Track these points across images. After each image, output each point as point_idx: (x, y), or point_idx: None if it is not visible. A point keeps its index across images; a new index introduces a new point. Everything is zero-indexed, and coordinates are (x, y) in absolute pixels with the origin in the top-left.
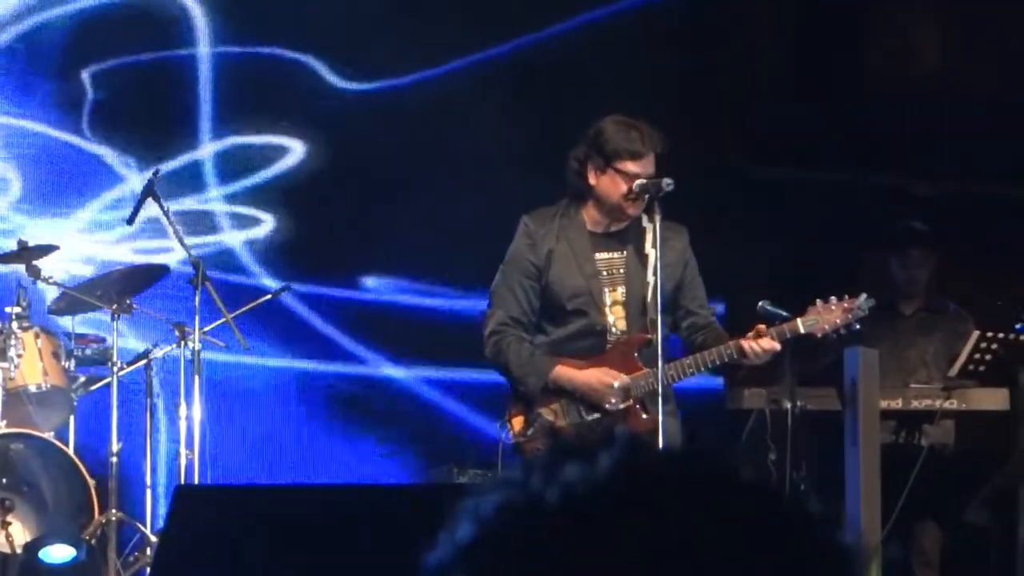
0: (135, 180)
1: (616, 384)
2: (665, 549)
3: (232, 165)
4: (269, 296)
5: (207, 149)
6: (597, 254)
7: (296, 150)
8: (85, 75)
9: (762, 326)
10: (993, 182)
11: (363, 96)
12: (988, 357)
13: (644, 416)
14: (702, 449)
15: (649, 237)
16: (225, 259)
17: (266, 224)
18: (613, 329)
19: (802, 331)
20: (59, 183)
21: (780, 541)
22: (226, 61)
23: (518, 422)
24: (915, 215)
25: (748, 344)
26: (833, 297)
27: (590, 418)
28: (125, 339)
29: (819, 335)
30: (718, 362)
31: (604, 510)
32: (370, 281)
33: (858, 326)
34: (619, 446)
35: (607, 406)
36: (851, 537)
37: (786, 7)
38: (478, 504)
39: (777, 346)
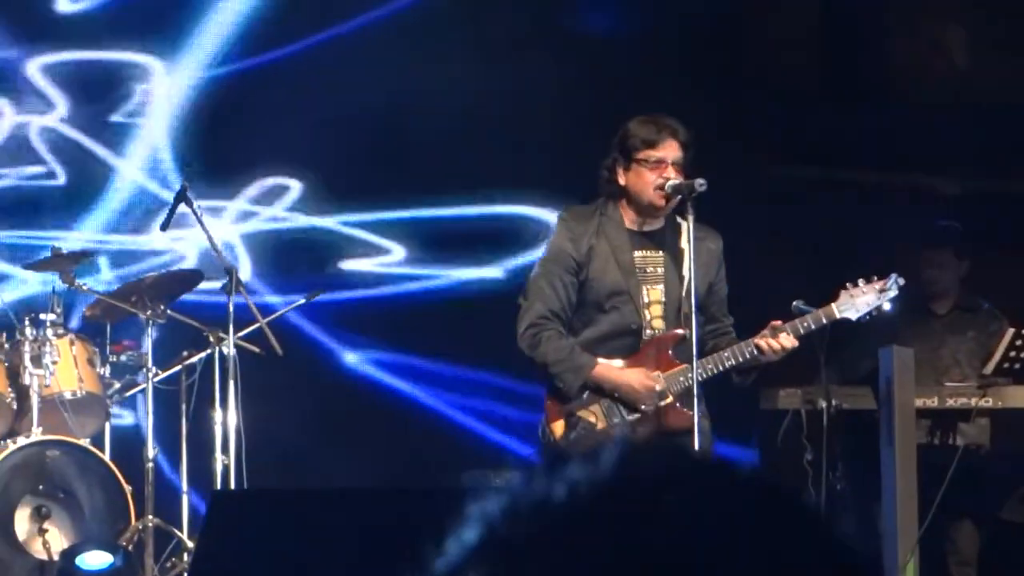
0: None
1: (657, 388)
2: (664, 554)
3: None
4: (303, 300)
5: None
6: (636, 252)
7: None
8: None
9: (777, 322)
10: (1022, 180)
11: None
12: (1023, 355)
13: (687, 413)
14: (704, 453)
15: (684, 235)
16: None
17: None
18: (649, 327)
19: (838, 316)
20: None
21: (789, 550)
22: None
23: (558, 427)
24: (943, 214)
25: (766, 341)
26: (862, 279)
27: (631, 418)
28: (160, 345)
29: (855, 318)
30: (740, 360)
31: (606, 511)
32: None
33: (888, 307)
34: (620, 448)
35: (644, 407)
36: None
37: (812, 8)
38: (485, 507)
39: (795, 342)
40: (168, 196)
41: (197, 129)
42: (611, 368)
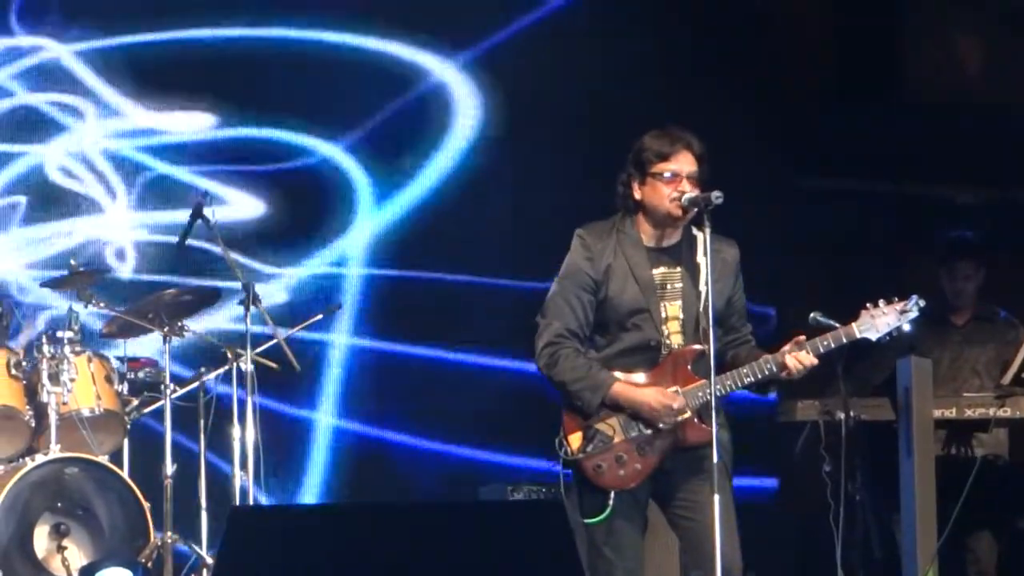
0: None
1: (675, 406)
2: None
3: None
4: (320, 316)
5: None
6: (654, 269)
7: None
8: None
9: (801, 338)
10: None
11: None
12: None
13: (705, 428)
14: None
15: (700, 247)
16: None
17: None
18: (668, 343)
19: (858, 336)
20: None
21: None
22: None
23: (575, 439)
24: (961, 224)
25: (788, 358)
26: (882, 300)
27: (648, 432)
28: (177, 362)
29: (874, 339)
30: (759, 376)
31: None
32: None
33: (907, 327)
34: None
35: (661, 425)
36: None
37: (828, 19)
38: None
39: (815, 361)
40: None
41: None
42: (630, 387)
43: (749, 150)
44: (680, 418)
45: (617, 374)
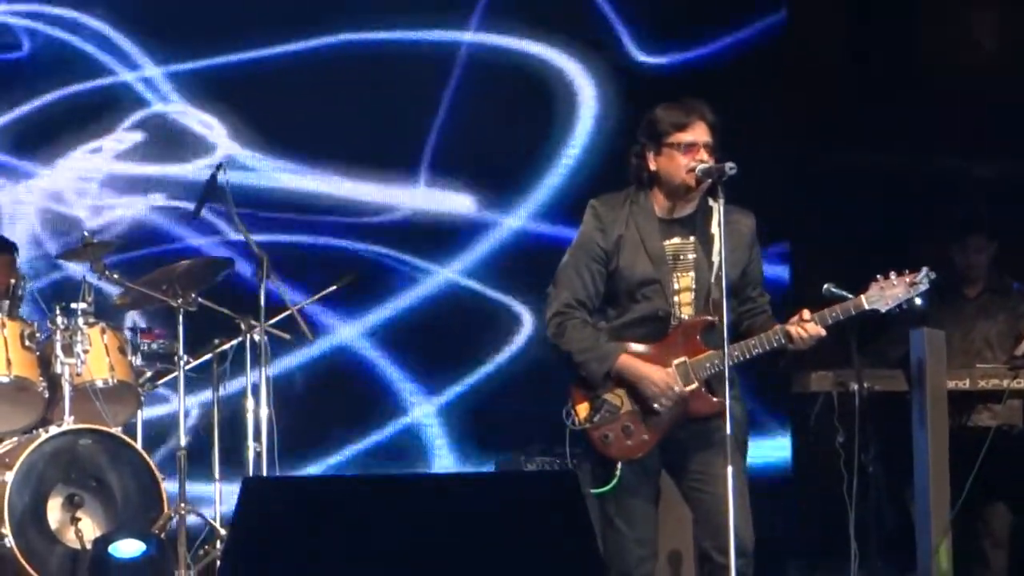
0: None
1: (676, 389)
2: None
3: None
4: (335, 287)
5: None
6: (666, 240)
7: None
8: None
9: (806, 311)
10: None
11: None
12: None
13: (714, 399)
14: None
15: (714, 218)
16: None
17: None
18: (678, 314)
19: (866, 307)
20: None
21: None
22: None
23: (583, 408)
24: (975, 198)
25: (795, 329)
26: (893, 272)
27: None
28: (190, 333)
29: (883, 310)
30: (767, 347)
31: None
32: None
33: (919, 301)
34: None
35: (656, 406)
36: None
37: None
38: None
39: (822, 332)
40: None
41: None
42: (636, 361)
43: (768, 127)
44: (688, 388)
45: (630, 345)
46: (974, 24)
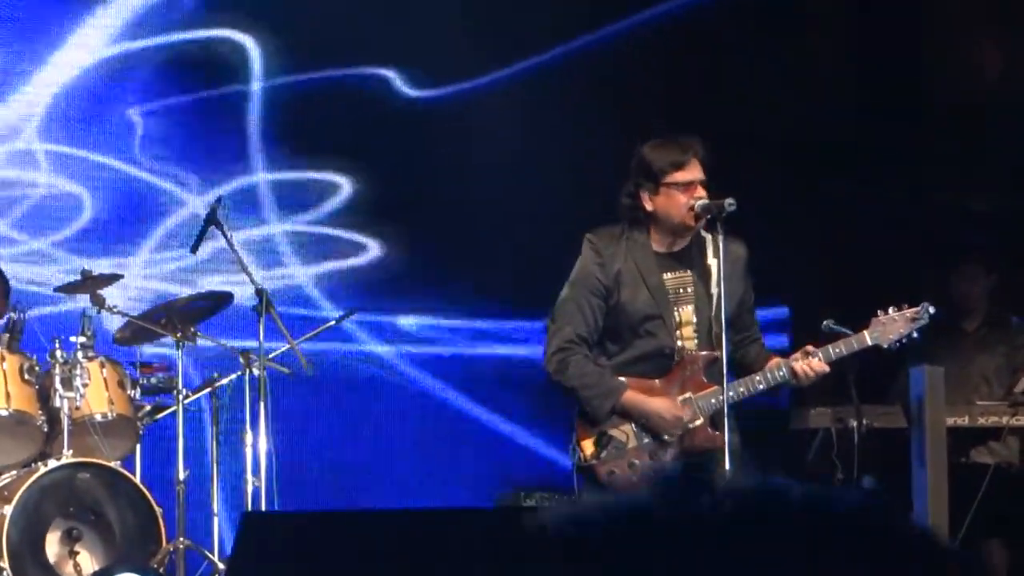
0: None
1: (685, 417)
2: None
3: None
4: (333, 322)
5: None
6: (665, 274)
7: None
8: (136, 112)
9: (810, 347)
10: None
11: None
12: None
13: (715, 434)
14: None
15: (709, 250)
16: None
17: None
18: (682, 348)
19: (869, 343)
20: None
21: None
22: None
23: (588, 445)
24: (974, 230)
25: (800, 366)
26: (892, 308)
27: (659, 439)
28: (190, 367)
29: (885, 346)
30: (771, 383)
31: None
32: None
33: (916, 335)
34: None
35: (666, 438)
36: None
37: (848, 23)
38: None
39: (827, 368)
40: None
41: None
42: (640, 396)
43: (770, 154)
44: (691, 425)
45: (627, 381)
46: (977, 55)
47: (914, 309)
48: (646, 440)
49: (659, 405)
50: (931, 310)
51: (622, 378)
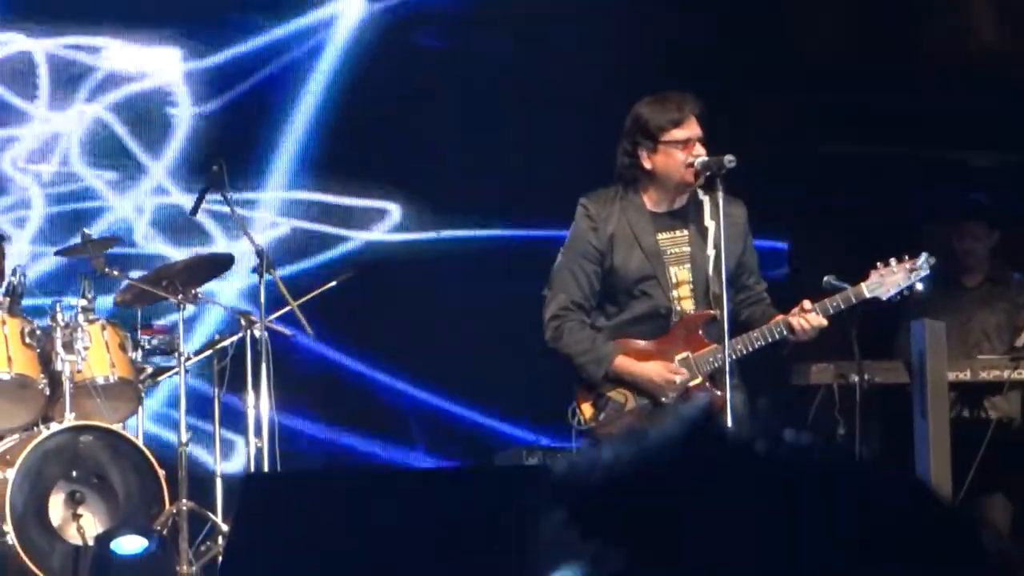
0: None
1: (678, 379)
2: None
3: None
4: (334, 283)
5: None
6: (660, 234)
7: None
8: None
9: (807, 302)
10: None
11: None
12: None
13: (716, 393)
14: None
15: (707, 210)
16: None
17: None
18: (678, 308)
19: (867, 295)
20: None
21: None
22: None
23: (587, 408)
24: (975, 187)
25: (796, 320)
26: (893, 259)
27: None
28: (191, 329)
29: (884, 298)
30: (769, 340)
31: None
32: None
33: (920, 286)
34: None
35: (664, 399)
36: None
37: None
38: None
39: (824, 322)
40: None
41: None
42: (631, 361)
43: (767, 114)
44: (691, 383)
45: (622, 344)
46: (976, 15)
47: (914, 260)
48: (644, 402)
49: (650, 369)
50: (931, 261)
51: (617, 342)
